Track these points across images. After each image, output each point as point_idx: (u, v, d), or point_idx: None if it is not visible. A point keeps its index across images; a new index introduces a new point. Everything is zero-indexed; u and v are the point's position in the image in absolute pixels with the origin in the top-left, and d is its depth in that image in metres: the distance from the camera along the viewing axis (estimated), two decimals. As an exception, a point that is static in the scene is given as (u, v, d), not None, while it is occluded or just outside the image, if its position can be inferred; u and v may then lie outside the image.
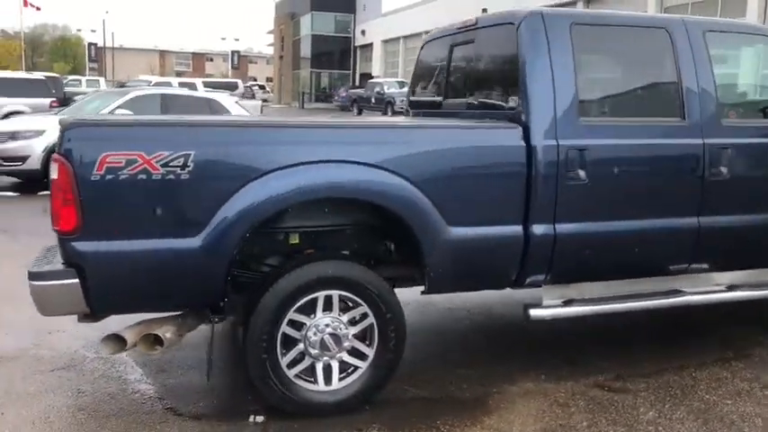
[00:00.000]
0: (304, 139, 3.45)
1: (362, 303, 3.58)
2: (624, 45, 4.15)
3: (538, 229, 3.80)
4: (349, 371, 3.64)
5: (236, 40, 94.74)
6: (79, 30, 77.02)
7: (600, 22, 4.15)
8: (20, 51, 64.92)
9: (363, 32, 51.53)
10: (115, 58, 70.98)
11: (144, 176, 3.14)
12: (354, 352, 3.63)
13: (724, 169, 4.10)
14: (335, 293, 3.54)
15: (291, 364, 3.53)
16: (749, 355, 4.52)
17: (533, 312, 3.92)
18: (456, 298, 5.46)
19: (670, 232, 4.08)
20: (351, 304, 3.58)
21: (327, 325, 3.53)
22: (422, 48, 5.25)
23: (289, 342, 3.53)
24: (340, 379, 3.62)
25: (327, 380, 3.59)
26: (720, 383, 4.09)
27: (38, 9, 61.11)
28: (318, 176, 3.38)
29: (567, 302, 4.00)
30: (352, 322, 3.61)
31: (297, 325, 3.52)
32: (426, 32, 5.58)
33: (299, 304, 3.48)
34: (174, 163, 3.17)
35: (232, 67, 70.86)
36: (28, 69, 60.38)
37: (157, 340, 3.39)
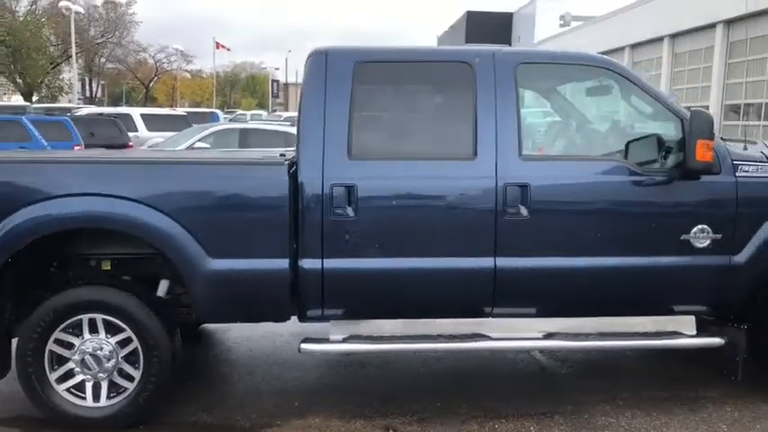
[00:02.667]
0: (63, 173, 3.80)
1: (126, 328, 3.83)
2: (419, 82, 4.06)
3: (306, 263, 3.84)
4: (120, 390, 3.89)
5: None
6: (264, 67, 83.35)
7: (393, 58, 4.06)
8: (212, 88, 71.87)
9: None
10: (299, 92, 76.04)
11: None
12: (124, 373, 3.89)
13: (523, 209, 3.86)
14: (99, 317, 3.82)
15: (61, 380, 3.86)
16: (581, 411, 4.13)
17: (303, 346, 3.94)
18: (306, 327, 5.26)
19: (458, 273, 3.89)
20: (118, 328, 3.85)
21: (93, 346, 3.83)
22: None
23: (60, 359, 3.86)
24: (109, 397, 3.88)
25: (96, 397, 3.87)
26: (513, 438, 3.84)
27: (228, 50, 67.62)
28: (67, 208, 3.69)
29: (347, 339, 3.96)
30: (122, 345, 3.87)
31: (66, 344, 3.84)
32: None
33: (64, 325, 3.80)
34: (-57, 195, 3.66)
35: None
36: (220, 105, 66.83)
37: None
